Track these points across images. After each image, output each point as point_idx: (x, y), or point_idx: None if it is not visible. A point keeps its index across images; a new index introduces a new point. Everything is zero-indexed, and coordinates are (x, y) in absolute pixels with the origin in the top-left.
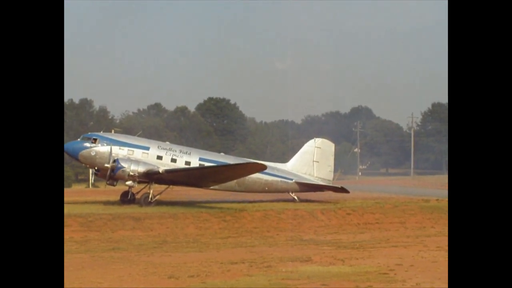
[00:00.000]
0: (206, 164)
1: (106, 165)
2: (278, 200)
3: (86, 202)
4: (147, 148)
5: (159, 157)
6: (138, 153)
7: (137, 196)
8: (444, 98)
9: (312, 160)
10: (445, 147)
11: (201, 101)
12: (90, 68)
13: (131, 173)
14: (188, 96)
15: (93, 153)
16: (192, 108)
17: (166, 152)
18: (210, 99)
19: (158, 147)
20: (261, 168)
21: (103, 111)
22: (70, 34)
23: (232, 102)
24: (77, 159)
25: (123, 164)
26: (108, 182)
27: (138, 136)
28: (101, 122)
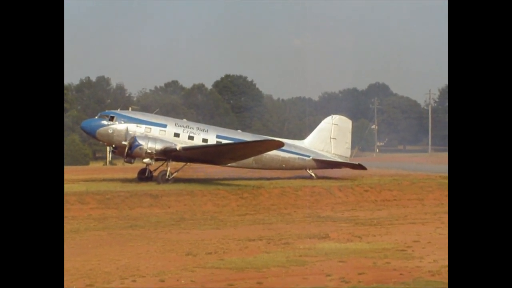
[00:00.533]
0: (223, 141)
1: (123, 142)
2: (295, 177)
3: (104, 180)
4: (165, 126)
5: (176, 135)
6: (155, 131)
7: (155, 174)
8: None
9: (329, 137)
10: None
11: (218, 78)
12: (107, 46)
13: (148, 151)
14: (205, 74)
15: (110, 131)
16: (209, 85)
17: (183, 130)
18: (227, 76)
19: (175, 124)
20: (278, 145)
21: (120, 89)
22: (87, 11)
23: (249, 79)
24: (94, 137)
25: (140, 141)
26: (125, 160)
27: (155, 113)
28: (118, 100)
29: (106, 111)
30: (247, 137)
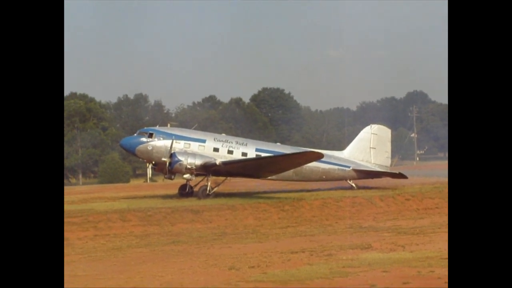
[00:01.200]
0: (263, 154)
1: (163, 159)
2: (336, 188)
3: (144, 197)
4: (204, 141)
5: (216, 149)
6: (194, 146)
7: (195, 189)
8: None
9: (369, 147)
10: None
11: (256, 91)
12: (144, 64)
13: (188, 166)
14: (242, 87)
15: (149, 148)
16: (246, 99)
17: (223, 144)
18: (265, 89)
19: (214, 139)
20: (318, 157)
21: (158, 106)
22: (122, 31)
23: (286, 91)
24: (134, 154)
25: (180, 157)
26: (166, 176)
27: (194, 129)
28: (157, 117)
29: (145, 128)
30: (286, 149)
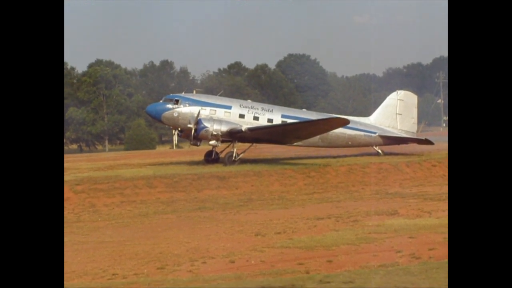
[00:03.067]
0: (289, 120)
1: (189, 125)
2: (362, 154)
3: (171, 163)
4: (229, 107)
5: (242, 116)
6: (220, 113)
7: (221, 155)
8: None
9: (395, 113)
10: None
11: (281, 58)
12: (170, 30)
13: (214, 133)
14: (268, 54)
15: (175, 114)
16: (272, 65)
17: (248, 111)
18: (290, 55)
19: (240, 105)
20: (344, 123)
21: (184, 72)
22: None
23: (312, 57)
24: (160, 120)
25: (206, 124)
26: (191, 143)
27: (220, 95)
28: (182, 83)
29: (171, 94)
30: (312, 115)
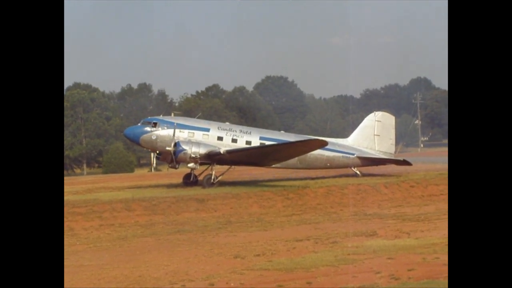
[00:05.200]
0: (267, 142)
1: (167, 148)
2: (340, 176)
3: (149, 186)
4: (207, 130)
5: (220, 138)
6: (198, 135)
7: (200, 178)
8: None
9: (373, 134)
10: None
11: (259, 80)
12: (148, 53)
13: (192, 155)
14: (245, 76)
15: (154, 137)
16: (250, 87)
17: (227, 133)
18: (268, 77)
19: (218, 128)
20: (322, 144)
21: (162, 95)
22: (125, 20)
23: (289, 79)
24: (138, 143)
25: (184, 146)
26: (170, 165)
27: (198, 118)
28: (160, 106)
29: (149, 117)
30: (290, 137)
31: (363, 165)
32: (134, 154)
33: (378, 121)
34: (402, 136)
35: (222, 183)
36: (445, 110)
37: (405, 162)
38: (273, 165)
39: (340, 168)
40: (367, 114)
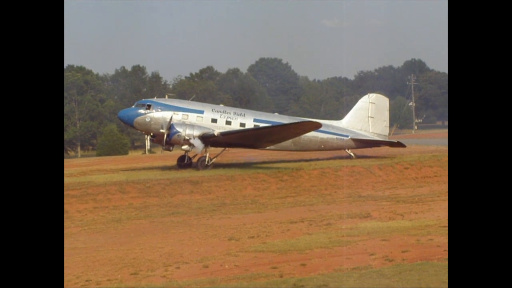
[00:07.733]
0: (261, 124)
1: (161, 130)
2: (334, 158)
3: (143, 168)
4: (202, 112)
5: (214, 120)
6: (192, 117)
7: (194, 160)
8: None
9: (367, 116)
10: None
11: (253, 62)
12: (142, 35)
13: (186, 137)
14: (239, 58)
15: (147, 119)
16: (244, 69)
17: (221, 115)
18: (262, 59)
19: (212, 110)
20: (316, 126)
21: (156, 77)
22: (121, 2)
23: (284, 61)
24: (132, 126)
25: (178, 128)
26: (164, 148)
27: (192, 100)
28: (154, 88)
29: (143, 100)
30: (285, 119)
31: (357, 147)
32: (128, 136)
33: (372, 103)
34: (396, 118)
35: (216, 165)
36: (439, 92)
37: (399, 144)
38: (267, 147)
39: (334, 150)
40: (361, 96)
